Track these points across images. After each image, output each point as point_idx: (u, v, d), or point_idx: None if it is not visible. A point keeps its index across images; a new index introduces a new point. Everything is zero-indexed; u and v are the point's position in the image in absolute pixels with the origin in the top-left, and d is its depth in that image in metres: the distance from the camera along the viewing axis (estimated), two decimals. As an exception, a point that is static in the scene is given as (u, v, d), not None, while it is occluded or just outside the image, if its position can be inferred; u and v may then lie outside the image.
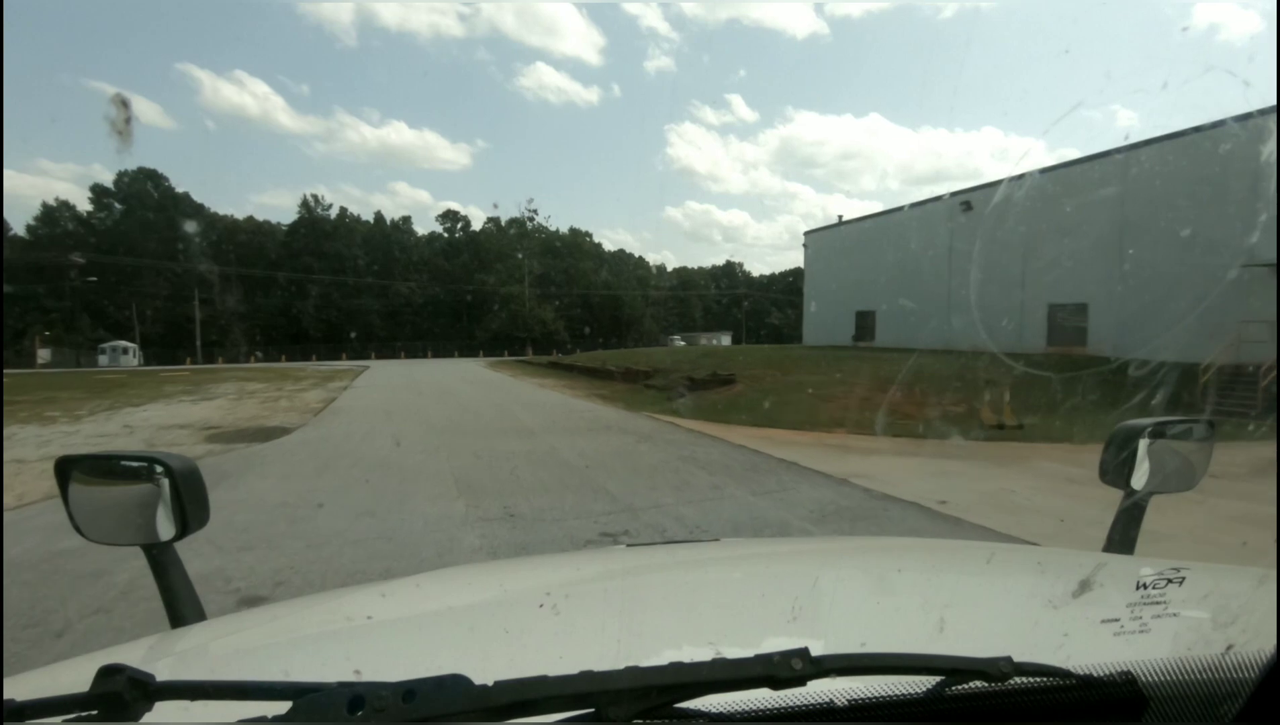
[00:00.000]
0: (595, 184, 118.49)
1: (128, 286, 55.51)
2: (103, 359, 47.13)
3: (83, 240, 58.54)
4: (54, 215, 61.17)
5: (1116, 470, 1.25)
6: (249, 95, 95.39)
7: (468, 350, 63.01)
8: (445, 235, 76.22)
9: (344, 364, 45.26)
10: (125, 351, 48.52)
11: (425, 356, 59.45)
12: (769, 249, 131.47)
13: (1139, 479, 1.24)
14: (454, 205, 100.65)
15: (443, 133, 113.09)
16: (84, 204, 63.10)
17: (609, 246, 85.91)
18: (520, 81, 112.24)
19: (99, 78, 79.61)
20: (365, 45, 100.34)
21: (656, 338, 72.39)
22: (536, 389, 20.35)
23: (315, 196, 69.41)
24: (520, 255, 69.26)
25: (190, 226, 62.76)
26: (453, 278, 69.83)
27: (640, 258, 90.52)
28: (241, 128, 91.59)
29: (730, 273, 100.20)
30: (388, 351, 59.71)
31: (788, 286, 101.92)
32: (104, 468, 1.17)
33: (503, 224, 75.98)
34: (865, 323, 25.83)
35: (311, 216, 68.56)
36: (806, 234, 31.84)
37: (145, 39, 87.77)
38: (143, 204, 61.68)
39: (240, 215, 69.77)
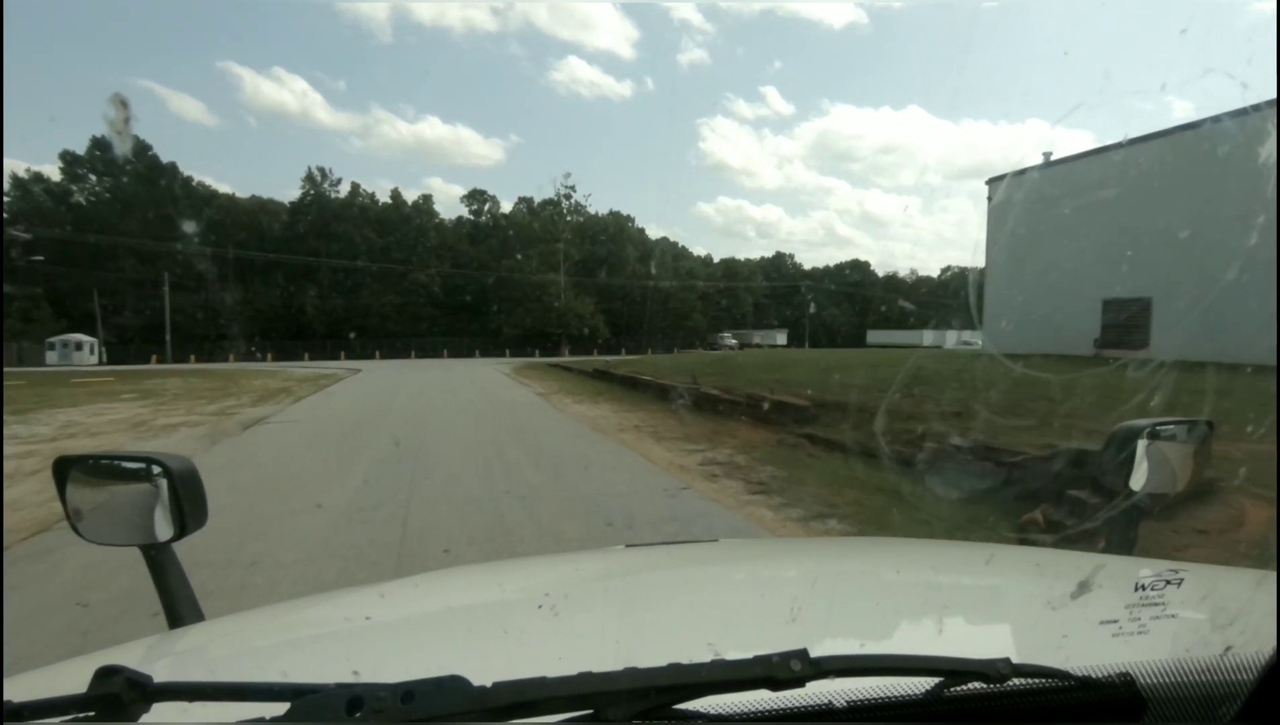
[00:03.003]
0: (628, 178, 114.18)
1: (99, 271, 47.21)
2: (51, 356, 38.97)
3: (65, 218, 51.01)
4: (27, 189, 53.26)
5: (1115, 471, 1.21)
6: (288, 92, 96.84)
7: (492, 348, 53.78)
8: (471, 217, 67.25)
9: (333, 366, 36.38)
10: (80, 347, 40.36)
11: (440, 356, 50.36)
12: (803, 245, 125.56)
13: (1138, 479, 1.20)
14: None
15: (476, 128, 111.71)
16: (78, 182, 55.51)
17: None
18: (553, 76, 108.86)
19: (146, 77, 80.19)
20: (400, 41, 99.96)
21: (704, 336, 63.33)
22: (589, 436, 10.64)
23: (322, 170, 60.69)
24: (558, 241, 59.79)
25: (180, 204, 54.52)
26: (478, 266, 60.74)
27: (683, 247, 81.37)
28: (281, 124, 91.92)
29: (780, 265, 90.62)
30: (397, 349, 50.85)
31: (844, 280, 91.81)
32: (102, 468, 1.13)
33: (535, 205, 66.68)
34: (1124, 318, 15.49)
35: (318, 193, 59.91)
36: (991, 182, 20.62)
37: (187, 38, 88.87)
38: (122, 175, 53.54)
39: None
